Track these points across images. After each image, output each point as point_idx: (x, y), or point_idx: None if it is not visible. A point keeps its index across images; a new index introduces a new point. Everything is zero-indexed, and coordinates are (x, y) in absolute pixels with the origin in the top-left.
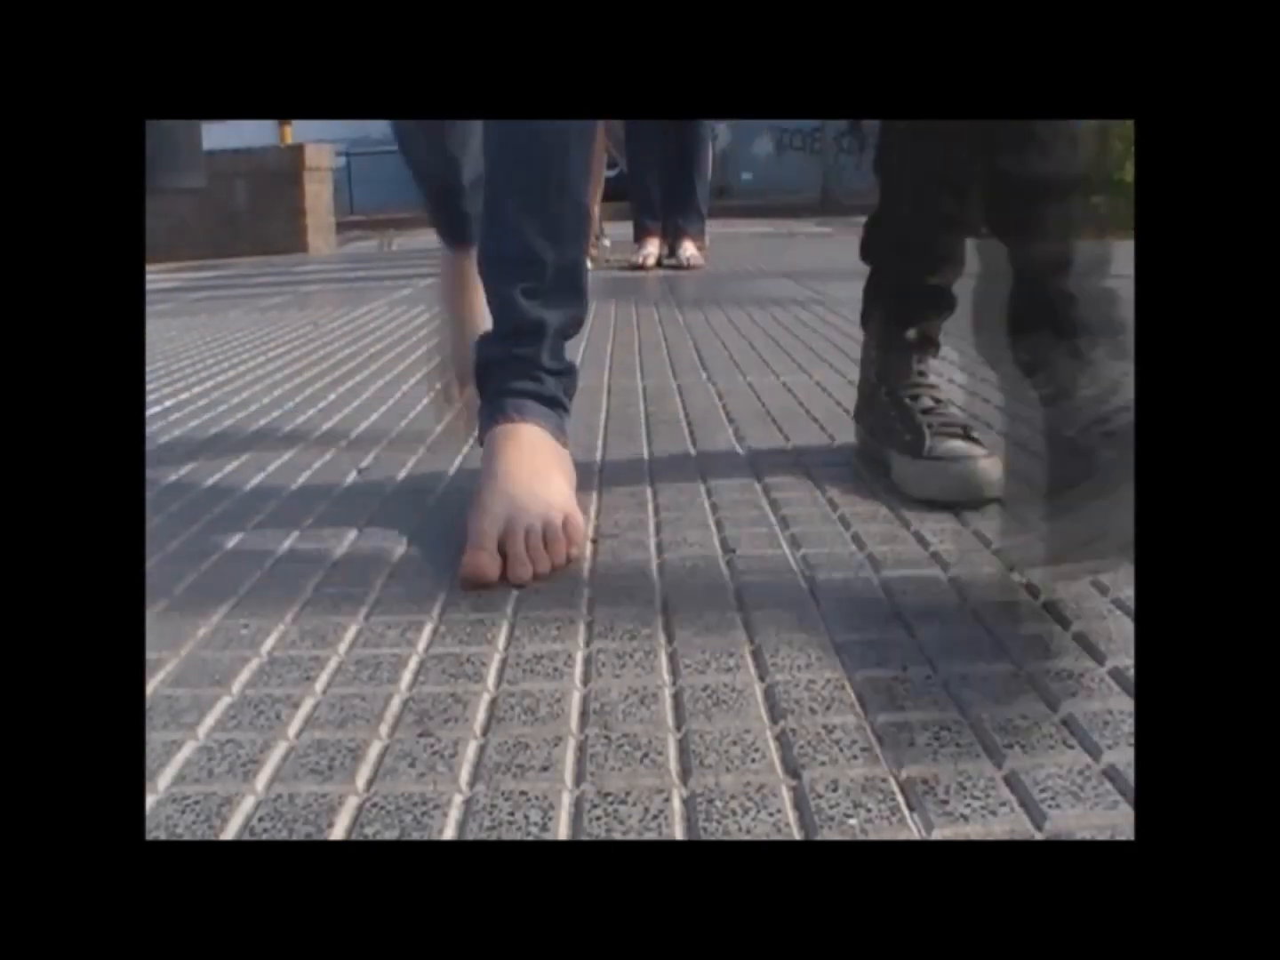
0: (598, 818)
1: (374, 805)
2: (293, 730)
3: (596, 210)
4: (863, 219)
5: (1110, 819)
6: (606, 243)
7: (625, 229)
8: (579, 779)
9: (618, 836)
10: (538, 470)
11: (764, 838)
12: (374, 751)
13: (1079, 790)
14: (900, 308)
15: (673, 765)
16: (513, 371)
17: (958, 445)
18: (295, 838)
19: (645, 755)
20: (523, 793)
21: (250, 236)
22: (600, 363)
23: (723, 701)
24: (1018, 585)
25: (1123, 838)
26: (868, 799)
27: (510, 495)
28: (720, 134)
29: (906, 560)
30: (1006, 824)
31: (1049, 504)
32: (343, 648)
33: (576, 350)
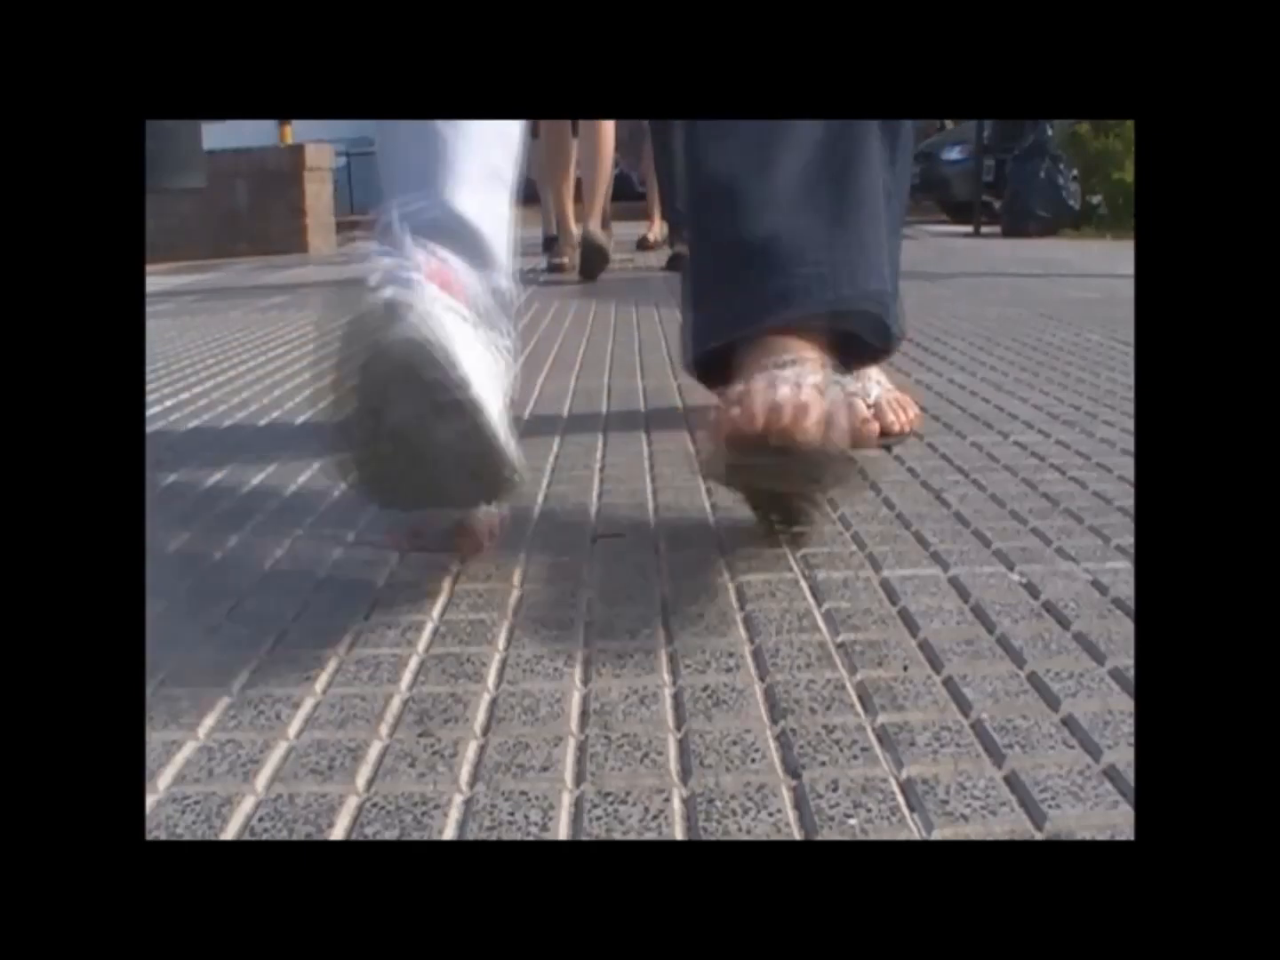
0: (598, 818)
1: (374, 805)
2: (293, 730)
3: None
4: None
5: (1110, 819)
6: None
7: (624, 229)
8: (579, 779)
9: (618, 836)
10: None
11: (764, 838)
12: (374, 751)
13: (1079, 790)
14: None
15: (673, 765)
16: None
17: None
18: (295, 838)
19: (645, 755)
20: (523, 793)
21: (250, 236)
22: (600, 363)
23: (723, 701)
24: (1017, 585)
25: (1123, 838)
26: (868, 799)
27: None
28: None
29: (906, 560)
30: (1006, 824)
31: None
32: (343, 648)
33: (577, 350)
